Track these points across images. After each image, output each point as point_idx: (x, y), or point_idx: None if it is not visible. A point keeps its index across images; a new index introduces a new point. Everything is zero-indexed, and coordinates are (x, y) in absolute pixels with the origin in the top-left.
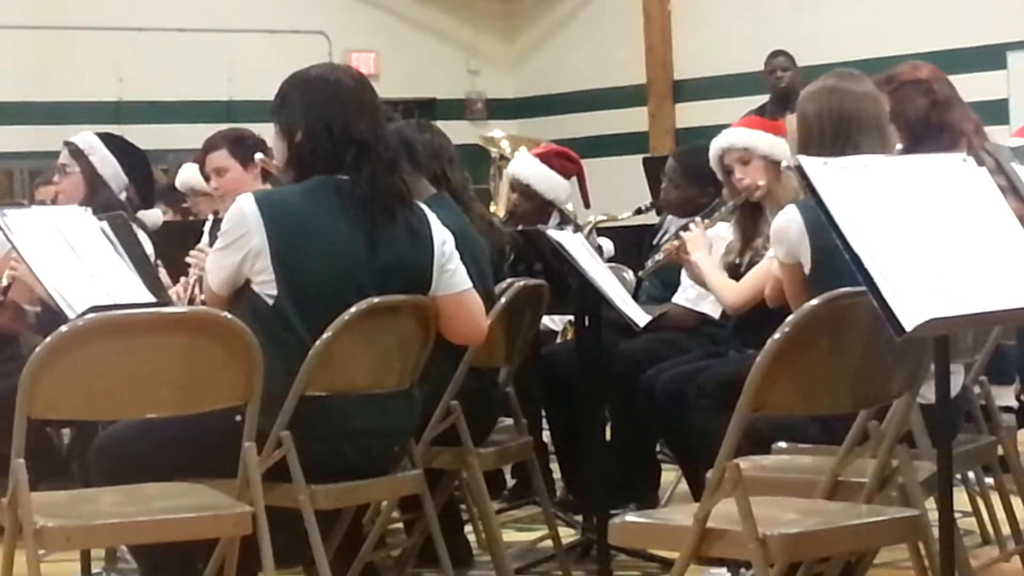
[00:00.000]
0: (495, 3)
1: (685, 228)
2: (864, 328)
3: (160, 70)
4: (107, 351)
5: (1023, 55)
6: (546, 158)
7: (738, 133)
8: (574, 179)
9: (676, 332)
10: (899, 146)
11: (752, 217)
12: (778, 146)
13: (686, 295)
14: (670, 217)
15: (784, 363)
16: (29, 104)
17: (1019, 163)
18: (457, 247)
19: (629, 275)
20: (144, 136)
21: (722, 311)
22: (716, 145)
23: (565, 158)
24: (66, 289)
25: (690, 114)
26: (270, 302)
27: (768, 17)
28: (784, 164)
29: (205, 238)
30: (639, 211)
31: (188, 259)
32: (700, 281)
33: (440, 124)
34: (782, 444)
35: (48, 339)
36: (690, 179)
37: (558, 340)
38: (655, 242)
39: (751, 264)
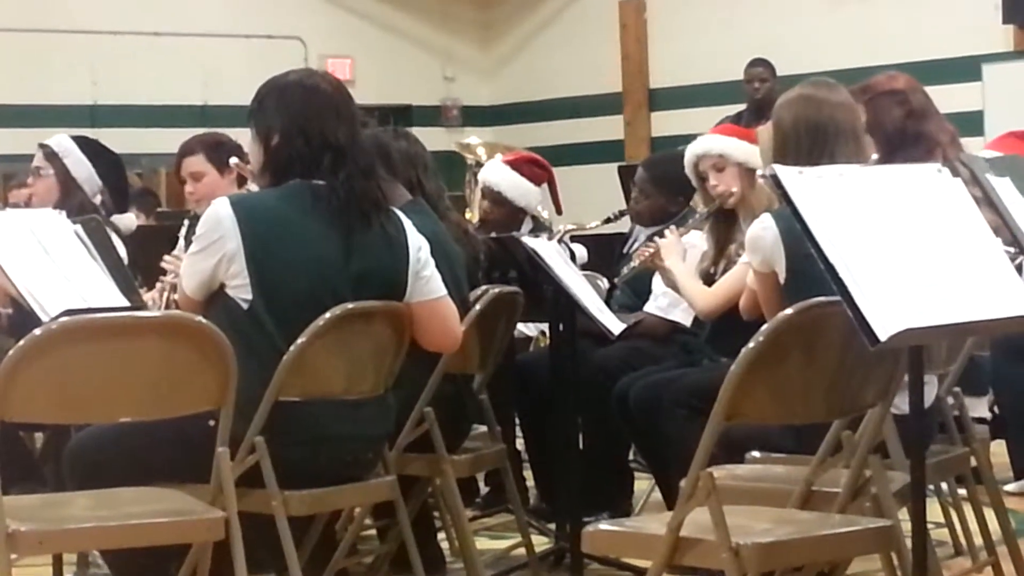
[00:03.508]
0: (471, 10)
1: (659, 235)
2: (838, 338)
3: (135, 74)
4: (81, 355)
5: (998, 67)
6: (516, 165)
7: (713, 140)
8: (545, 186)
9: (648, 341)
10: (875, 156)
11: (726, 224)
12: (753, 154)
13: (657, 304)
14: (638, 227)
15: (758, 372)
16: (3, 107)
17: (994, 174)
18: (432, 254)
19: (604, 283)
20: (119, 140)
21: (694, 320)
22: (691, 151)
23: (535, 164)
24: (40, 292)
25: (666, 122)
26: (244, 306)
27: (744, 27)
28: (759, 173)
29: (180, 243)
30: (608, 220)
31: (163, 264)
32: (674, 287)
33: (416, 131)
34: (756, 453)
35: (21, 342)
36: (660, 188)
37: (531, 348)
38: (625, 251)
39: (725, 272)
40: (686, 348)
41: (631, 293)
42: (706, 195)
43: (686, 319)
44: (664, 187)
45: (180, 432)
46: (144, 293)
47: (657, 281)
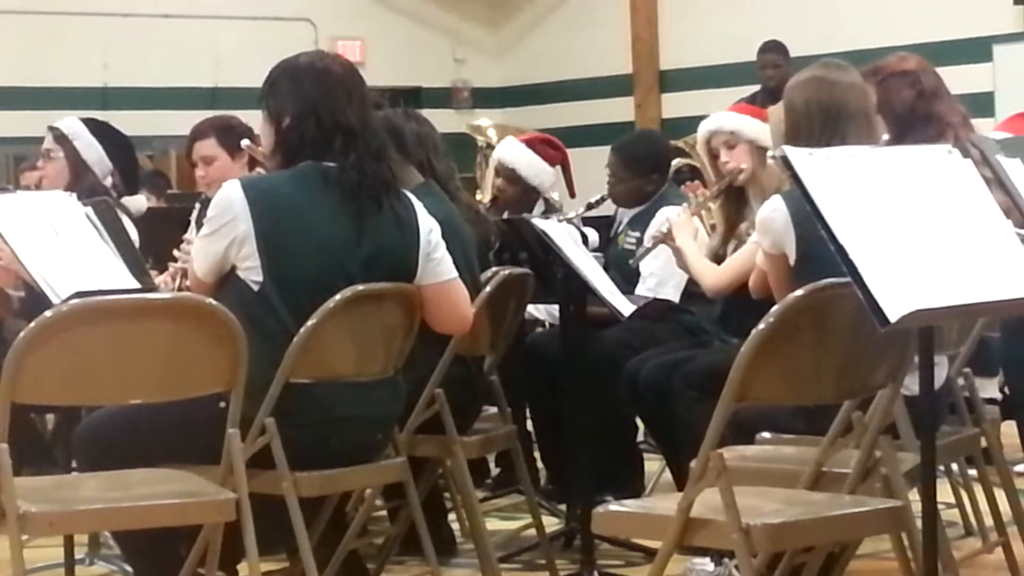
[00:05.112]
0: None
1: (642, 216)
2: (849, 319)
3: (146, 56)
4: (91, 336)
5: (1009, 48)
6: (532, 145)
7: (725, 117)
8: (559, 167)
9: (647, 321)
10: (885, 137)
11: (736, 203)
12: (765, 132)
13: (647, 285)
14: (621, 209)
15: (768, 353)
16: (14, 89)
17: (1004, 155)
18: (444, 236)
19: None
20: (129, 122)
21: (690, 296)
22: (704, 128)
23: (550, 146)
24: (51, 274)
25: (676, 104)
26: (255, 288)
27: (755, 7)
28: (769, 155)
29: (192, 227)
30: (589, 206)
31: (176, 253)
32: (684, 267)
33: (426, 112)
34: (766, 434)
35: (32, 324)
36: (631, 170)
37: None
38: (611, 234)
39: (735, 251)
40: (688, 329)
41: (618, 277)
42: (716, 172)
43: (674, 296)
44: (635, 168)
45: (190, 414)
46: (155, 276)
47: (644, 263)
